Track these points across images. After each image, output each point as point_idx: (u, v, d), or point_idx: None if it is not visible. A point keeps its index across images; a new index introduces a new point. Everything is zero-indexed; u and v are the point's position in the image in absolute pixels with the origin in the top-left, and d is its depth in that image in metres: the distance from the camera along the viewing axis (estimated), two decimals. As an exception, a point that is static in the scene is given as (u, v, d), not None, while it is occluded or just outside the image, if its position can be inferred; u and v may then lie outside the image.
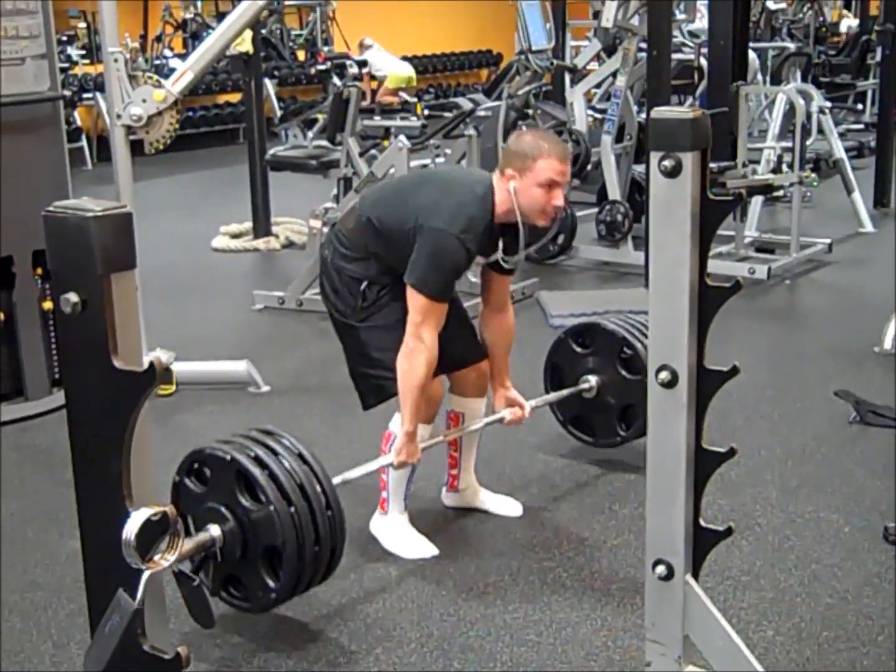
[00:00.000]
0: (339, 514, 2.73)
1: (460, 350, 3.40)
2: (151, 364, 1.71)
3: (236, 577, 2.73)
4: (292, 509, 2.62)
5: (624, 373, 3.70)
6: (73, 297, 1.77)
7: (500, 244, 3.25)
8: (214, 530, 2.63)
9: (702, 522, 2.22)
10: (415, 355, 3.08)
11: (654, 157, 2.21)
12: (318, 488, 2.69)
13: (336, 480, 2.84)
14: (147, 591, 1.92)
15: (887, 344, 5.08)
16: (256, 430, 2.81)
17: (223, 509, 2.65)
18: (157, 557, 1.91)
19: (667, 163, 2.19)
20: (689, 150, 2.17)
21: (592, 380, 3.76)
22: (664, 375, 2.22)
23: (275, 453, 2.69)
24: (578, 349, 3.81)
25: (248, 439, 2.75)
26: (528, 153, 3.13)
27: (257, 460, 2.65)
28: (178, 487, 2.77)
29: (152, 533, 1.87)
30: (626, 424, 3.77)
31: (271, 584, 2.67)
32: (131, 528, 1.84)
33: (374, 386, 3.28)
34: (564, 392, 3.78)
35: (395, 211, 3.21)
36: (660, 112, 2.26)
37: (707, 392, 2.24)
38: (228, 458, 2.65)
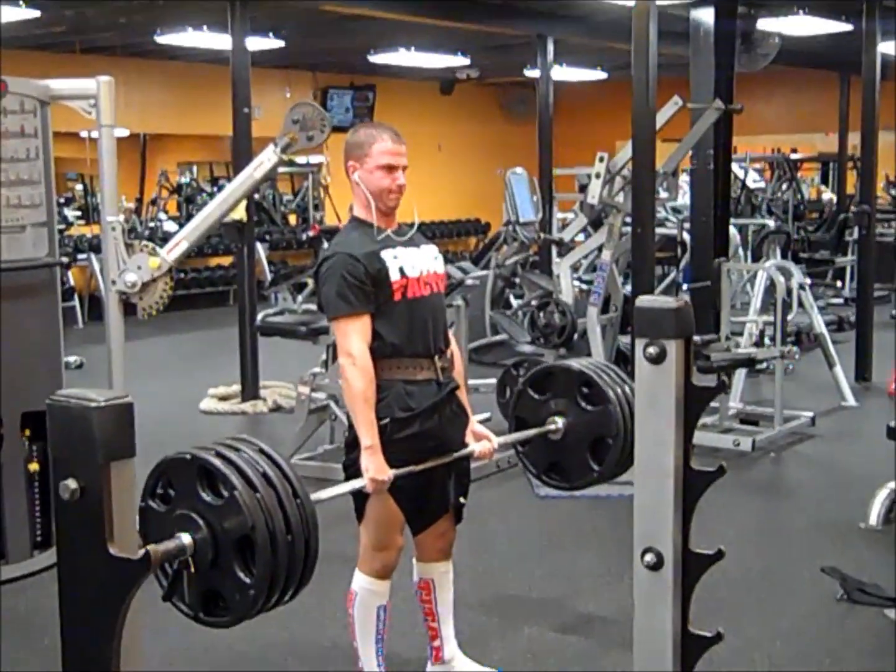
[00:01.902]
0: (309, 505, 2.60)
1: (432, 505, 3.38)
2: (147, 552, 1.73)
3: (212, 589, 2.54)
4: (258, 495, 2.49)
5: (587, 406, 3.63)
6: (72, 483, 1.80)
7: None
8: (185, 538, 2.44)
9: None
10: (347, 370, 3.16)
11: (639, 344, 2.27)
12: (283, 477, 2.58)
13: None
14: None
15: (873, 519, 5.09)
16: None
17: (191, 514, 2.48)
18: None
19: (651, 350, 2.25)
20: (674, 338, 2.24)
21: (559, 420, 3.68)
22: (650, 558, 2.24)
23: (236, 449, 2.60)
24: (538, 396, 3.67)
25: (211, 443, 2.65)
26: (364, 141, 3.27)
27: (218, 455, 2.54)
28: (144, 513, 2.55)
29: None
30: (598, 460, 3.58)
31: (247, 580, 2.49)
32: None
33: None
34: (532, 432, 3.70)
35: None
36: (645, 301, 2.34)
37: (693, 575, 2.25)
38: (188, 457, 2.55)
